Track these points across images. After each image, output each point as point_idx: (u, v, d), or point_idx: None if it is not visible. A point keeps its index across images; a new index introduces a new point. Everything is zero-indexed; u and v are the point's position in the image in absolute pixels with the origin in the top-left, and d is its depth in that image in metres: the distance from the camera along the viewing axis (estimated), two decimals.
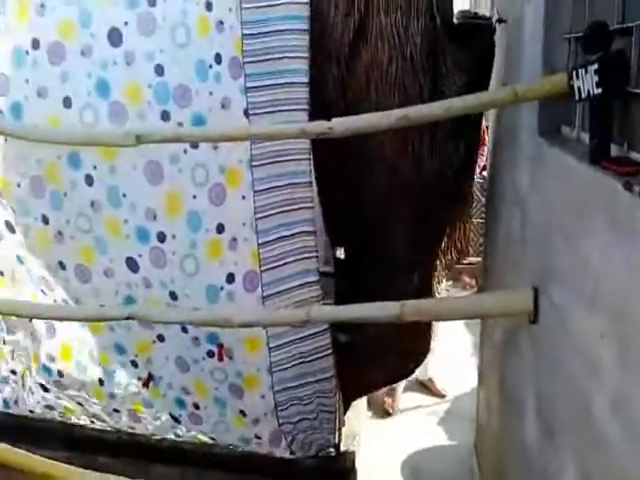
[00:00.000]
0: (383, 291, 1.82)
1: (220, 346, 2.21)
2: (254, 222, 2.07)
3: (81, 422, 2.62)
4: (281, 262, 2.10)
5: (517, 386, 1.84)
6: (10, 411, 2.65)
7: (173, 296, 2.21)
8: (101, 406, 2.52)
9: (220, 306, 2.15)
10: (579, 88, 1.28)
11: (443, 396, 3.48)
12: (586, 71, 1.25)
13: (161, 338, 2.30)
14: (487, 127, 2.87)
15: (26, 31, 2.11)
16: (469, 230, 2.50)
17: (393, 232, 2.17)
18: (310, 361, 2.18)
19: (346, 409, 2.45)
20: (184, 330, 2.23)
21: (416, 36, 1.97)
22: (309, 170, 2.06)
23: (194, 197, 2.10)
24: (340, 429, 2.39)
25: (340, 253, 2.44)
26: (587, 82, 1.24)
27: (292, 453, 2.38)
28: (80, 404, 2.54)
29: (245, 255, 2.11)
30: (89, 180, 2.16)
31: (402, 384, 3.30)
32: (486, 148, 2.94)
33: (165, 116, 2.05)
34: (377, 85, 2.03)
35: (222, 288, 2.15)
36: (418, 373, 3.10)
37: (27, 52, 2.12)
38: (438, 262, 2.37)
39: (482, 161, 2.97)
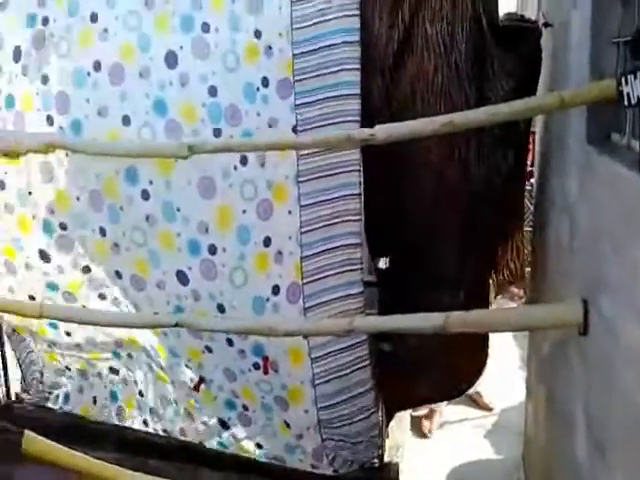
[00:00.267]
0: (427, 304, 1.80)
1: (265, 359, 2.26)
2: (299, 236, 2.13)
3: (135, 425, 2.70)
4: (323, 274, 2.14)
5: (566, 400, 1.79)
6: (69, 407, 2.77)
7: (221, 308, 2.26)
8: (162, 394, 2.58)
9: (265, 317, 2.20)
10: (628, 94, 1.25)
11: (490, 409, 3.41)
12: (635, 77, 1.21)
13: (209, 349, 2.35)
14: (533, 133, 2.82)
15: (89, 54, 2.23)
16: (522, 250, 2.39)
17: (438, 243, 2.15)
18: (348, 374, 2.20)
19: (389, 421, 2.43)
20: (230, 343, 2.28)
21: (461, 43, 1.96)
22: (359, 182, 2.09)
23: (244, 212, 2.17)
24: (384, 440, 2.38)
25: (382, 263, 2.43)
26: (637, 88, 1.21)
27: (335, 471, 2.38)
28: (149, 367, 2.61)
29: (289, 268, 2.17)
30: (145, 195, 2.24)
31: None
32: (532, 155, 2.89)
33: (217, 133, 2.14)
34: (422, 95, 2.03)
35: (268, 299, 2.20)
36: None
37: (89, 73, 2.23)
38: (489, 280, 2.28)
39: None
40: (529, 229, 2.78)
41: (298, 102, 2.07)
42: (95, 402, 2.75)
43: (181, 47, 2.14)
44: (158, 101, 2.18)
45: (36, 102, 2.31)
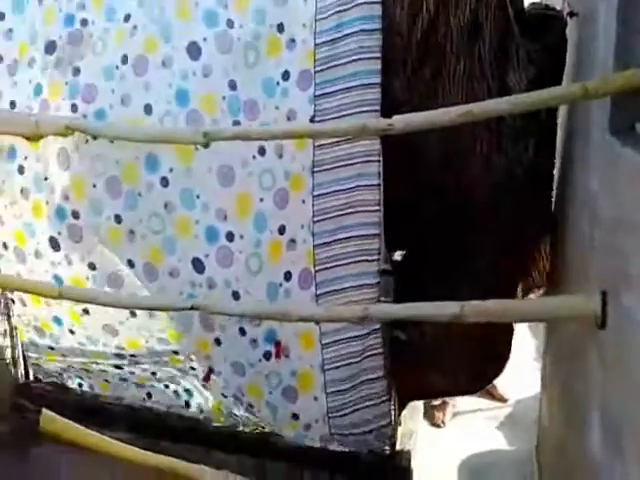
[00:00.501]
0: (444, 296, 1.78)
1: (277, 344, 2.28)
2: (311, 225, 2.16)
3: (147, 404, 2.72)
4: (335, 263, 2.16)
5: (582, 393, 1.78)
6: (84, 388, 2.81)
7: (236, 296, 2.28)
8: (176, 369, 2.60)
9: (280, 302, 2.22)
10: None
11: (505, 401, 3.40)
12: None
13: (218, 341, 2.37)
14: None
15: (119, 50, 2.27)
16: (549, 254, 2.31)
17: (457, 236, 2.13)
18: (359, 361, 2.21)
19: (401, 410, 2.43)
20: (242, 332, 2.30)
21: (486, 33, 1.94)
22: (377, 172, 2.09)
23: (261, 200, 2.20)
24: (395, 429, 2.38)
25: (397, 255, 2.42)
26: None
27: (342, 444, 2.41)
28: (154, 373, 2.64)
29: (301, 255, 2.20)
30: (164, 182, 2.26)
31: None
32: None
33: (236, 124, 2.17)
34: (444, 85, 2.01)
35: (281, 285, 2.22)
36: None
37: (117, 67, 2.27)
38: (512, 276, 2.23)
39: None
40: None
41: (317, 93, 2.08)
42: (107, 381, 2.79)
43: (204, 39, 2.16)
44: (180, 91, 2.20)
45: (63, 91, 2.34)
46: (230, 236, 2.24)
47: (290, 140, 2.13)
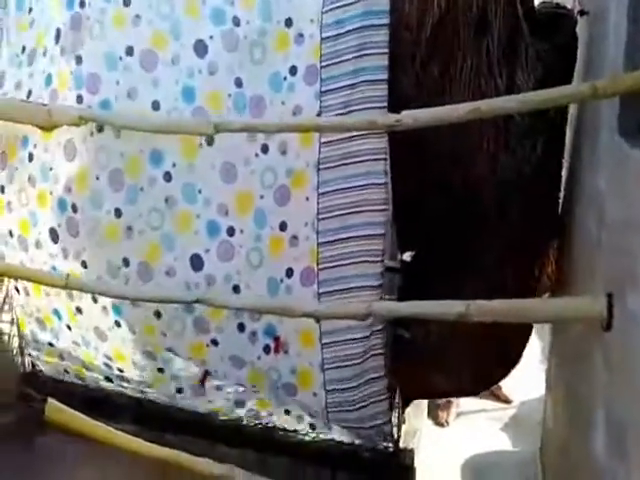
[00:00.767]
0: (450, 295, 1.77)
1: (277, 339, 2.27)
2: (316, 223, 2.15)
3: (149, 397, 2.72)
4: (339, 262, 2.15)
5: (586, 396, 1.77)
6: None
7: (236, 290, 2.27)
8: (164, 390, 2.62)
9: (281, 297, 2.22)
10: None
11: (509, 402, 3.39)
12: None
13: (215, 342, 2.36)
14: None
15: (121, 38, 2.26)
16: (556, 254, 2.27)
17: (462, 237, 2.12)
18: (361, 362, 2.20)
19: (404, 408, 2.43)
20: (241, 329, 2.30)
21: (494, 30, 1.92)
22: (384, 170, 2.08)
23: (261, 197, 2.20)
24: (399, 427, 2.38)
25: (406, 255, 2.41)
26: None
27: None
28: (142, 392, 2.66)
29: (304, 252, 2.19)
30: (167, 177, 2.27)
31: None
32: None
33: None
34: (452, 82, 2.00)
35: (282, 281, 2.22)
36: None
37: (120, 57, 2.26)
38: (522, 282, 2.19)
39: None
40: None
41: (323, 89, 2.07)
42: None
43: (211, 37, 2.17)
44: (186, 88, 2.21)
45: (69, 81, 2.34)
46: (231, 231, 2.24)
47: (295, 137, 2.12)
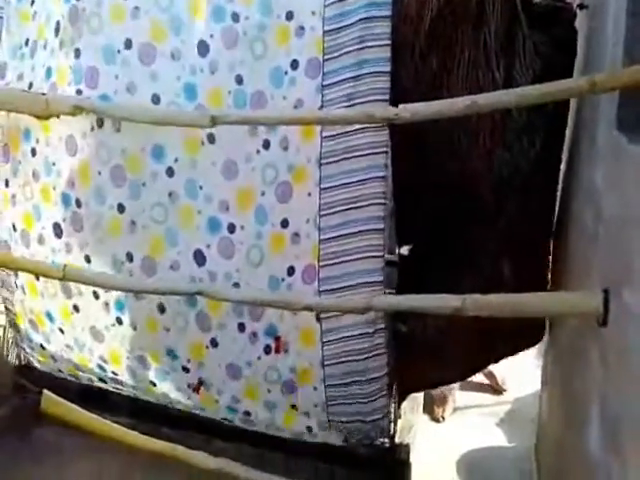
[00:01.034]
0: (448, 290, 1.77)
1: (277, 339, 2.26)
2: (317, 218, 2.12)
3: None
4: (341, 259, 2.13)
5: (582, 391, 1.77)
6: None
7: (236, 288, 2.26)
8: (158, 400, 2.61)
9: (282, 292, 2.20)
10: None
11: (503, 391, 3.40)
12: None
13: (214, 342, 2.35)
14: None
15: (120, 31, 2.24)
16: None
17: (463, 230, 2.12)
18: (363, 359, 2.19)
19: (401, 402, 2.43)
20: (241, 329, 2.29)
21: (491, 22, 1.92)
22: (384, 164, 2.06)
23: (262, 193, 2.18)
24: (395, 421, 2.38)
25: (404, 249, 2.40)
26: None
27: (346, 441, 2.39)
28: (136, 395, 2.65)
29: (306, 250, 2.17)
30: (170, 172, 2.26)
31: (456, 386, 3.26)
32: None
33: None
34: (450, 75, 1.99)
35: (283, 279, 2.20)
36: None
37: (119, 50, 2.25)
38: (519, 277, 2.18)
39: None
40: None
41: (325, 82, 2.05)
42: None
43: (211, 35, 2.15)
44: (188, 84, 2.19)
45: (68, 75, 2.33)
46: (231, 227, 2.23)
47: (296, 132, 2.11)
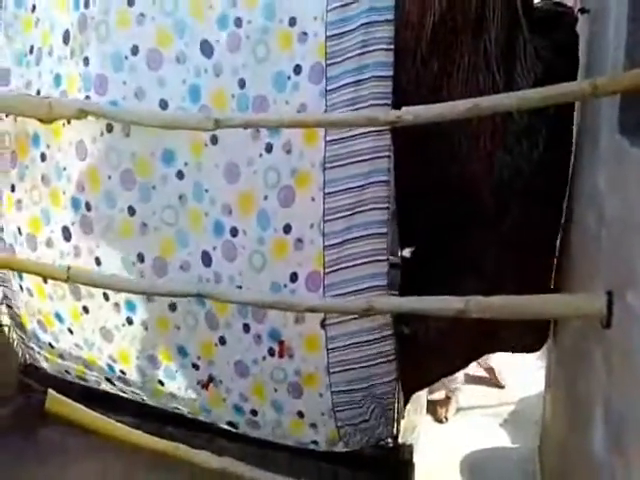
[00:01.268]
0: (450, 293, 1.78)
1: (281, 343, 2.27)
2: (321, 224, 2.11)
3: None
4: (346, 265, 2.12)
5: (585, 393, 1.77)
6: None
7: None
8: (162, 403, 2.63)
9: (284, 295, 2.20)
10: None
11: (501, 387, 3.42)
12: None
13: (223, 340, 2.37)
14: None
15: (127, 38, 2.26)
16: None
17: (461, 234, 2.12)
18: (370, 366, 2.20)
19: (405, 403, 2.43)
20: (246, 329, 2.30)
21: (491, 27, 1.91)
22: (387, 168, 2.05)
23: (265, 198, 2.18)
24: (399, 421, 2.39)
25: (406, 252, 2.41)
26: None
27: (347, 445, 2.40)
28: (143, 400, 2.68)
29: (310, 256, 2.16)
30: (180, 175, 2.28)
31: (460, 384, 3.26)
32: None
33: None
34: (450, 79, 1.99)
35: (285, 286, 2.20)
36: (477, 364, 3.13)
37: (126, 57, 2.27)
38: (521, 280, 2.14)
39: None
40: None
41: (329, 87, 2.05)
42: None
43: (217, 40, 2.16)
44: (193, 86, 2.20)
45: (78, 83, 2.36)
46: (234, 231, 2.24)
47: (299, 135, 2.10)
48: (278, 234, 2.18)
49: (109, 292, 2.47)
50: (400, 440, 2.45)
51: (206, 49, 2.18)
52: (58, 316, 2.66)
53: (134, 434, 2.32)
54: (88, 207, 2.42)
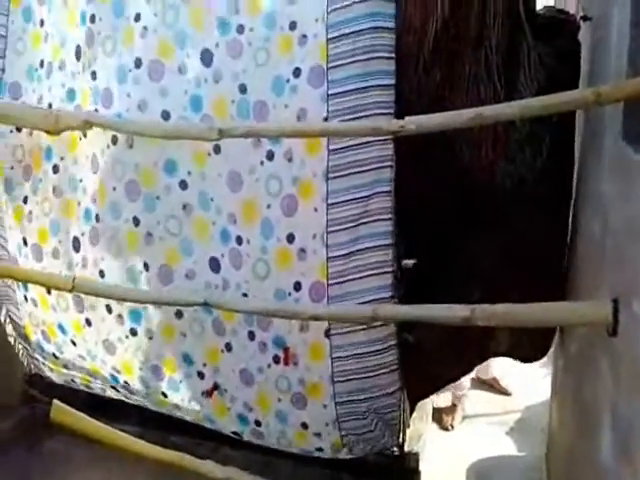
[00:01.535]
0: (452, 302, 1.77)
1: (286, 350, 2.26)
2: (325, 235, 2.10)
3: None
4: (351, 277, 2.11)
5: (592, 401, 1.77)
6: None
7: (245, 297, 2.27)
8: (167, 411, 2.63)
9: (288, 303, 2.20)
10: None
11: (508, 394, 3.40)
12: None
13: (229, 347, 2.37)
14: None
15: (130, 51, 2.28)
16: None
17: (463, 244, 2.11)
18: (374, 376, 2.19)
19: (411, 412, 2.42)
20: (251, 337, 2.30)
21: (492, 35, 1.91)
22: (390, 178, 2.04)
23: (268, 206, 2.17)
24: (405, 430, 2.38)
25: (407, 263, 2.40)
26: None
27: (351, 452, 2.40)
28: (147, 406, 2.68)
29: (313, 267, 2.15)
30: (183, 185, 2.28)
31: (466, 391, 3.25)
32: None
33: None
34: (452, 88, 1.99)
35: (290, 294, 2.20)
36: (479, 372, 3.13)
37: (130, 70, 2.28)
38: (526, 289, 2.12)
39: None
40: None
41: (331, 92, 2.01)
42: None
43: (217, 45, 2.15)
44: (194, 97, 2.21)
45: (89, 97, 2.39)
46: (239, 240, 2.24)
47: (301, 144, 2.09)
48: (282, 243, 2.17)
49: (112, 304, 2.47)
50: (406, 448, 2.44)
51: (206, 58, 2.18)
52: (61, 327, 2.67)
53: (138, 443, 2.31)
54: (97, 218, 2.44)
